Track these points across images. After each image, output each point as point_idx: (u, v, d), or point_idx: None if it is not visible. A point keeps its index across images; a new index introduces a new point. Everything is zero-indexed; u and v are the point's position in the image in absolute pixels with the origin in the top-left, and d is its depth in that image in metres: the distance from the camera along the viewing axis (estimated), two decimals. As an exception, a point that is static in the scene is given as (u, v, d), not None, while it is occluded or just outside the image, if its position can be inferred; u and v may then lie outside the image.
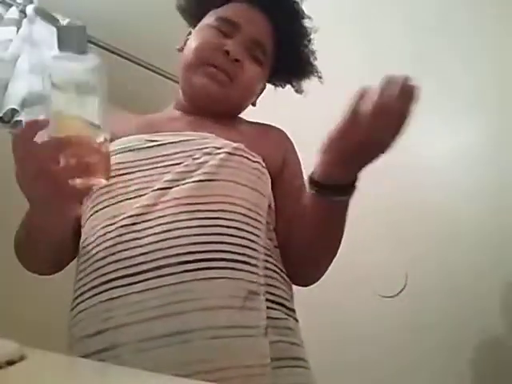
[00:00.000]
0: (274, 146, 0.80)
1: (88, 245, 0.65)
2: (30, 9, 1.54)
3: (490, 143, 1.30)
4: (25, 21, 1.53)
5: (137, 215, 0.63)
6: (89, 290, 0.61)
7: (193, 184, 0.65)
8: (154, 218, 0.62)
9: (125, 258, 0.60)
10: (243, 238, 0.64)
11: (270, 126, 0.86)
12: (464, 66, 1.40)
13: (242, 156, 0.70)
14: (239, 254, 0.63)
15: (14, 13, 1.53)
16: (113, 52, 1.70)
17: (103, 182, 0.58)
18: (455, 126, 1.39)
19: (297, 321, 0.71)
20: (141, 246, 0.60)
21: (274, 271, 0.69)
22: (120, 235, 0.62)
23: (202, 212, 0.63)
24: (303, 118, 1.48)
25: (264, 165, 0.73)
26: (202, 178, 0.65)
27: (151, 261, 0.59)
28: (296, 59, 0.88)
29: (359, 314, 1.40)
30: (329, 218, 0.67)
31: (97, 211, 0.67)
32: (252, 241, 0.65)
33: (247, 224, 0.66)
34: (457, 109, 1.39)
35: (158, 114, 0.86)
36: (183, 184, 0.65)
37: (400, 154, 1.53)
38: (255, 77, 0.81)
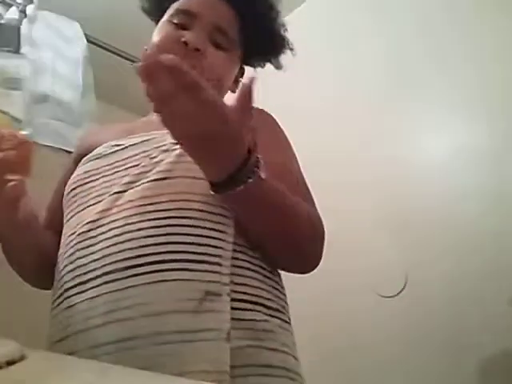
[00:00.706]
0: None
1: (59, 254, 0.68)
2: (30, 9, 1.54)
3: (492, 145, 1.30)
4: (25, 21, 1.53)
5: (93, 221, 0.63)
6: (56, 297, 0.64)
7: (147, 184, 0.63)
8: (108, 223, 0.62)
9: (80, 266, 0.61)
10: (200, 235, 0.60)
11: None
12: (464, 67, 1.39)
13: None
14: (195, 253, 0.59)
15: (14, 13, 1.53)
16: (113, 52, 1.70)
17: (22, 178, 0.60)
18: (456, 128, 1.39)
19: (285, 321, 0.67)
20: (93, 253, 0.61)
21: (248, 269, 0.64)
22: (78, 243, 0.63)
23: (155, 212, 0.61)
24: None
25: None
26: (156, 177, 0.64)
27: (101, 267, 0.59)
28: (265, 37, 0.85)
29: (359, 314, 1.40)
30: (246, 210, 0.61)
31: (67, 221, 0.69)
32: (213, 238, 0.61)
33: (207, 220, 0.61)
34: (457, 111, 1.39)
35: (142, 119, 0.86)
36: (138, 185, 0.64)
37: (400, 155, 1.52)
38: (220, 63, 0.77)
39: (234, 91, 0.85)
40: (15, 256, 0.75)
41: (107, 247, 0.60)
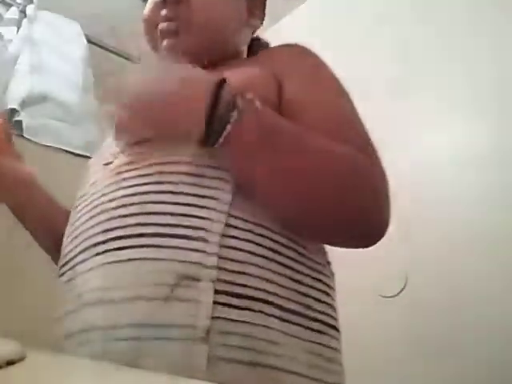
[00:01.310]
0: (253, 72, 0.58)
1: None
2: (30, 9, 1.54)
3: (492, 145, 1.30)
4: (25, 21, 1.53)
5: (82, 196, 0.58)
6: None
7: (134, 149, 0.54)
8: (90, 196, 0.55)
9: (66, 245, 0.55)
10: (181, 203, 0.47)
11: (267, 49, 0.72)
12: (463, 67, 1.39)
13: None
14: (170, 225, 0.46)
15: (14, 13, 1.54)
16: (113, 52, 1.70)
17: None
18: (457, 128, 1.39)
19: (314, 330, 0.48)
20: (76, 230, 0.54)
21: (253, 253, 0.47)
22: (71, 218, 0.58)
23: (131, 179, 0.51)
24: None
25: None
26: (143, 140, 0.55)
27: (77, 245, 0.52)
28: None
29: (359, 314, 1.40)
30: (250, 161, 0.48)
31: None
32: (199, 206, 0.47)
33: (195, 185, 0.49)
34: (457, 110, 1.39)
35: None
36: (125, 153, 0.56)
37: (400, 155, 1.52)
38: (209, 5, 0.65)
39: (246, 35, 0.73)
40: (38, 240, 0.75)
41: (84, 222, 0.52)
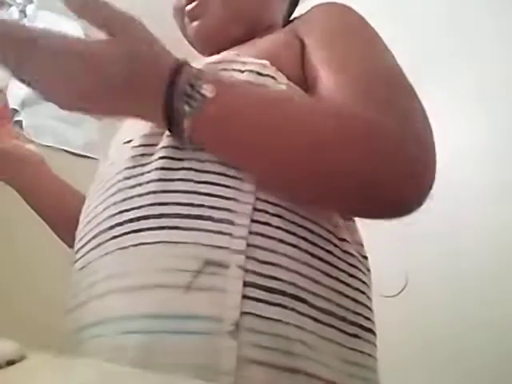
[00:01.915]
0: (273, 41, 0.54)
1: None
2: (30, 9, 1.54)
3: (493, 144, 1.30)
4: (25, 21, 1.53)
5: (101, 175, 0.53)
6: None
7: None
8: (108, 175, 0.50)
9: (81, 230, 0.50)
10: (207, 182, 0.42)
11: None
12: (466, 66, 1.39)
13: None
14: (194, 205, 0.41)
15: (14, 13, 1.53)
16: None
17: None
18: (457, 129, 1.39)
19: (350, 335, 0.44)
20: (89, 214, 0.49)
21: (282, 241, 0.42)
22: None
23: (149, 156, 0.46)
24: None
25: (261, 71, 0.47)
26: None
27: (89, 230, 0.47)
28: None
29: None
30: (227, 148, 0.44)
31: None
32: (223, 185, 0.42)
33: (219, 164, 0.43)
34: (458, 109, 1.39)
35: None
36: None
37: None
38: None
39: (279, 6, 0.68)
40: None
41: (99, 204, 0.47)
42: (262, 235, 0.41)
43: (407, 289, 1.32)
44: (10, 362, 0.28)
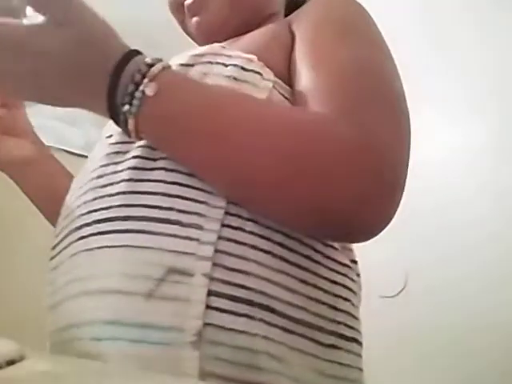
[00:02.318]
0: (264, 33, 0.52)
1: None
2: (30, 9, 1.54)
3: (491, 144, 1.30)
4: (25, 21, 1.53)
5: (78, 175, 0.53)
6: None
7: None
8: (82, 173, 0.49)
9: (58, 224, 0.49)
10: (177, 183, 0.40)
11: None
12: (465, 66, 1.39)
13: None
14: (162, 208, 0.39)
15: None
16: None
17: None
18: (455, 128, 1.39)
19: (325, 345, 0.41)
20: (66, 210, 0.48)
21: (254, 247, 0.39)
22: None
23: (123, 154, 0.44)
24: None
25: (246, 67, 0.44)
26: None
27: (63, 228, 0.46)
28: None
29: (359, 314, 1.40)
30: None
31: None
32: (197, 188, 0.40)
33: None
34: (457, 110, 1.39)
35: None
36: None
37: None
38: None
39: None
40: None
41: (73, 202, 0.46)
42: (233, 241, 0.39)
43: (407, 289, 1.32)
44: (10, 362, 0.28)
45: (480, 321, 1.19)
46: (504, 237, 1.21)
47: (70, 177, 0.62)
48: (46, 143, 0.67)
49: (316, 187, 0.37)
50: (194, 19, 0.60)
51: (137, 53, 0.41)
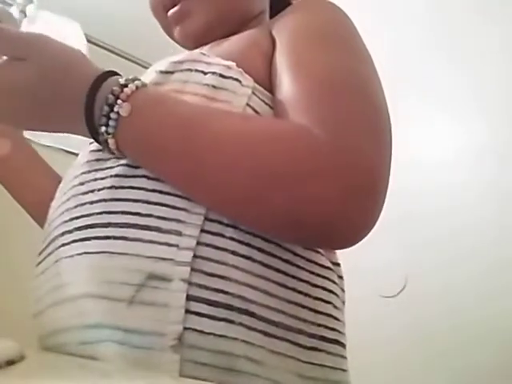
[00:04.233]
0: (244, 38, 0.52)
1: None
2: (30, 9, 1.54)
3: (493, 145, 1.30)
4: (25, 21, 1.53)
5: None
6: None
7: None
8: (65, 180, 0.50)
9: (46, 229, 0.50)
10: (157, 191, 0.41)
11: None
12: (466, 67, 1.39)
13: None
14: (142, 215, 0.40)
15: (13, 13, 1.53)
16: (113, 52, 1.70)
17: None
18: (457, 128, 1.39)
19: (306, 348, 0.41)
20: (50, 216, 0.48)
21: (234, 252, 0.40)
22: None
23: (105, 161, 0.44)
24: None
25: (225, 74, 0.45)
26: None
27: (47, 235, 0.46)
28: None
29: (359, 314, 1.40)
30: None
31: None
32: (177, 195, 0.41)
33: None
34: (459, 110, 1.39)
35: None
36: None
37: (400, 155, 1.52)
38: None
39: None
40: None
41: (56, 209, 0.47)
42: (212, 246, 0.40)
43: (407, 289, 1.32)
44: (10, 362, 0.28)
45: (480, 321, 1.19)
46: (504, 235, 1.21)
47: (53, 176, 0.64)
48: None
49: (291, 199, 0.37)
50: (178, 28, 0.60)
51: (111, 74, 0.42)
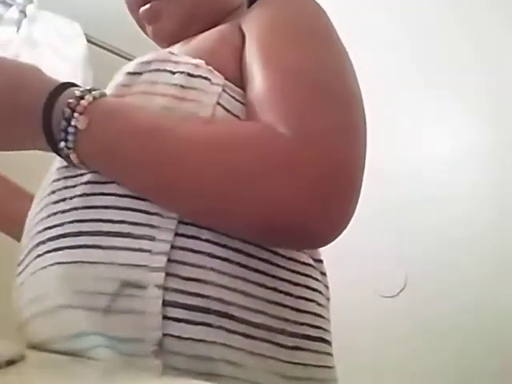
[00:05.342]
0: (214, 34, 0.50)
1: None
2: (30, 9, 1.54)
3: (491, 143, 1.30)
4: (25, 21, 1.53)
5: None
6: None
7: None
8: (40, 189, 0.49)
9: (24, 238, 0.48)
10: (128, 196, 0.40)
11: None
12: (464, 66, 1.39)
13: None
14: (114, 221, 0.39)
15: (13, 13, 1.53)
16: (113, 52, 1.70)
17: None
18: (456, 125, 1.39)
19: (288, 347, 0.40)
20: (26, 227, 0.47)
21: (210, 255, 0.39)
22: None
23: (76, 168, 0.43)
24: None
25: (193, 73, 0.44)
26: None
27: (25, 247, 0.45)
28: None
29: (359, 314, 1.40)
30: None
31: None
32: (147, 200, 0.40)
33: None
34: (457, 109, 1.39)
35: None
36: None
37: (400, 154, 1.52)
38: None
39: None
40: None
41: (31, 219, 0.46)
42: (188, 250, 0.39)
43: (407, 289, 1.32)
44: (10, 362, 0.28)
45: (480, 321, 1.19)
46: (504, 235, 1.21)
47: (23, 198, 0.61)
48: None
49: (259, 201, 0.37)
50: (150, 28, 0.58)
51: (67, 86, 0.41)
